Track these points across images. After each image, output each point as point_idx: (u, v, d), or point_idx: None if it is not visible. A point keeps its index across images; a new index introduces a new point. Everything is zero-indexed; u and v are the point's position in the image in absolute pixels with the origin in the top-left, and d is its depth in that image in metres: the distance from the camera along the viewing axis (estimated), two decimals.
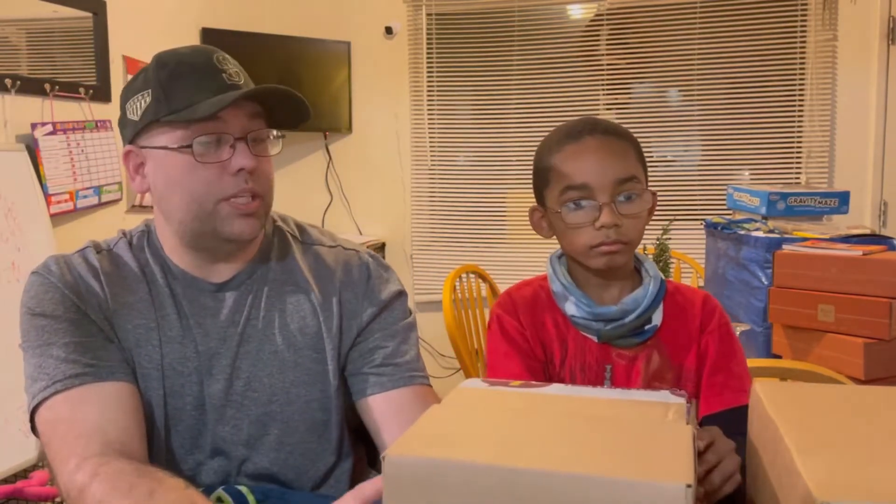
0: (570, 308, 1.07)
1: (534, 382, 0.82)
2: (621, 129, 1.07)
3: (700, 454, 0.81)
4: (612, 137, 1.04)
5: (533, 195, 1.13)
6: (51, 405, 0.93)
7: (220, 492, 0.94)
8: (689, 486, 0.51)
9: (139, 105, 0.98)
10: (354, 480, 1.09)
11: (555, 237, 1.10)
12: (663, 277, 1.11)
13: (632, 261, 1.11)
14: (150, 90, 0.97)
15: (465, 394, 0.75)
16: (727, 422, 0.93)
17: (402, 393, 1.04)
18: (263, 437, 1.02)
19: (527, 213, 1.13)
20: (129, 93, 1.00)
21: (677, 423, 0.65)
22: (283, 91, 0.99)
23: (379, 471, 1.20)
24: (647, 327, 1.07)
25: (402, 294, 1.12)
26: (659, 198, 1.08)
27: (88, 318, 0.98)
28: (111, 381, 0.95)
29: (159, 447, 1.00)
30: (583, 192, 1.02)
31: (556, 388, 0.77)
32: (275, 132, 1.03)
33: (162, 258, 1.05)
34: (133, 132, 1.00)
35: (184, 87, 0.96)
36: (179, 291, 1.03)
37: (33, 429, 0.97)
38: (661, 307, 1.08)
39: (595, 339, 1.07)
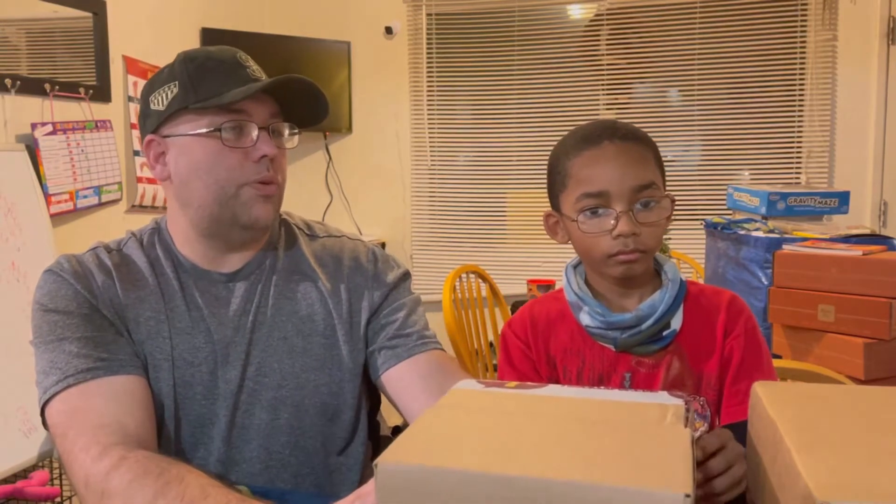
0: (585, 318, 1.05)
1: (529, 383, 0.81)
2: (640, 134, 1.03)
3: (711, 456, 0.79)
4: (630, 143, 1.00)
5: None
6: (64, 398, 0.94)
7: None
8: (687, 495, 0.51)
9: (165, 96, 1.02)
10: (365, 468, 1.12)
11: (570, 243, 1.07)
12: (684, 280, 1.07)
13: (652, 265, 1.07)
14: (176, 81, 1.02)
15: (460, 395, 0.75)
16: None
17: (417, 360, 1.08)
18: (275, 420, 1.05)
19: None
20: (153, 86, 1.05)
21: (675, 427, 0.64)
22: (305, 85, 1.05)
23: None
24: (665, 333, 1.03)
25: (407, 275, 1.18)
26: None
27: (100, 313, 1.00)
28: (122, 375, 0.97)
29: (168, 437, 1.02)
30: (600, 200, 0.99)
31: (552, 390, 0.77)
32: (290, 127, 1.09)
33: (172, 252, 1.08)
34: (157, 122, 1.04)
35: (211, 79, 1.01)
36: (190, 283, 1.06)
37: (44, 422, 0.98)
38: (681, 311, 1.04)
39: (612, 347, 1.04)
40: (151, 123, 1.05)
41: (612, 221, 0.98)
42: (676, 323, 1.04)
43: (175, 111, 1.01)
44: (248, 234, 1.06)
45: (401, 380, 1.08)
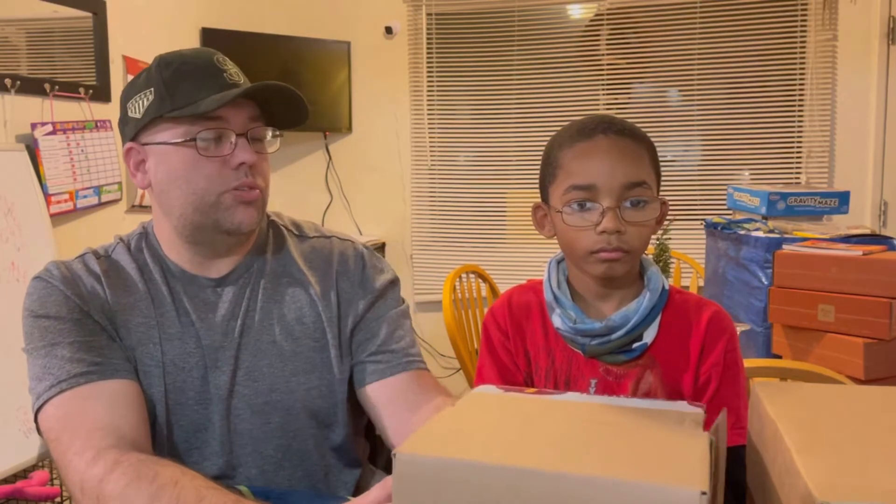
0: (556, 320, 1.03)
1: (549, 390, 0.79)
2: (638, 132, 1.00)
3: None
4: (626, 139, 0.98)
5: (532, 195, 1.10)
6: (58, 403, 0.93)
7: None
8: (703, 493, 0.50)
9: (141, 103, 1.00)
10: (364, 467, 1.12)
11: (556, 238, 1.05)
12: (666, 287, 1.03)
13: (636, 268, 1.04)
14: (152, 88, 1.00)
15: (479, 398, 0.74)
16: None
17: (399, 378, 1.07)
18: (266, 424, 1.04)
19: (528, 213, 1.09)
20: (130, 92, 1.03)
21: (694, 430, 0.64)
22: (283, 90, 1.02)
23: (379, 467, 1.21)
24: (635, 345, 1.00)
25: (395, 282, 1.16)
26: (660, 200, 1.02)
27: (91, 318, 1.00)
28: (116, 379, 0.96)
29: (161, 443, 1.01)
30: (587, 194, 0.96)
31: (572, 396, 0.76)
32: (272, 131, 1.06)
33: (160, 257, 1.07)
34: (135, 129, 1.02)
35: (187, 85, 0.99)
36: (179, 289, 1.06)
37: (38, 429, 0.97)
38: (657, 322, 1.01)
39: (581, 353, 1.02)
40: (129, 131, 1.03)
41: (598, 217, 0.96)
42: (650, 336, 1.00)
43: (151, 119, 0.99)
44: (233, 239, 1.05)
45: (379, 397, 1.07)
